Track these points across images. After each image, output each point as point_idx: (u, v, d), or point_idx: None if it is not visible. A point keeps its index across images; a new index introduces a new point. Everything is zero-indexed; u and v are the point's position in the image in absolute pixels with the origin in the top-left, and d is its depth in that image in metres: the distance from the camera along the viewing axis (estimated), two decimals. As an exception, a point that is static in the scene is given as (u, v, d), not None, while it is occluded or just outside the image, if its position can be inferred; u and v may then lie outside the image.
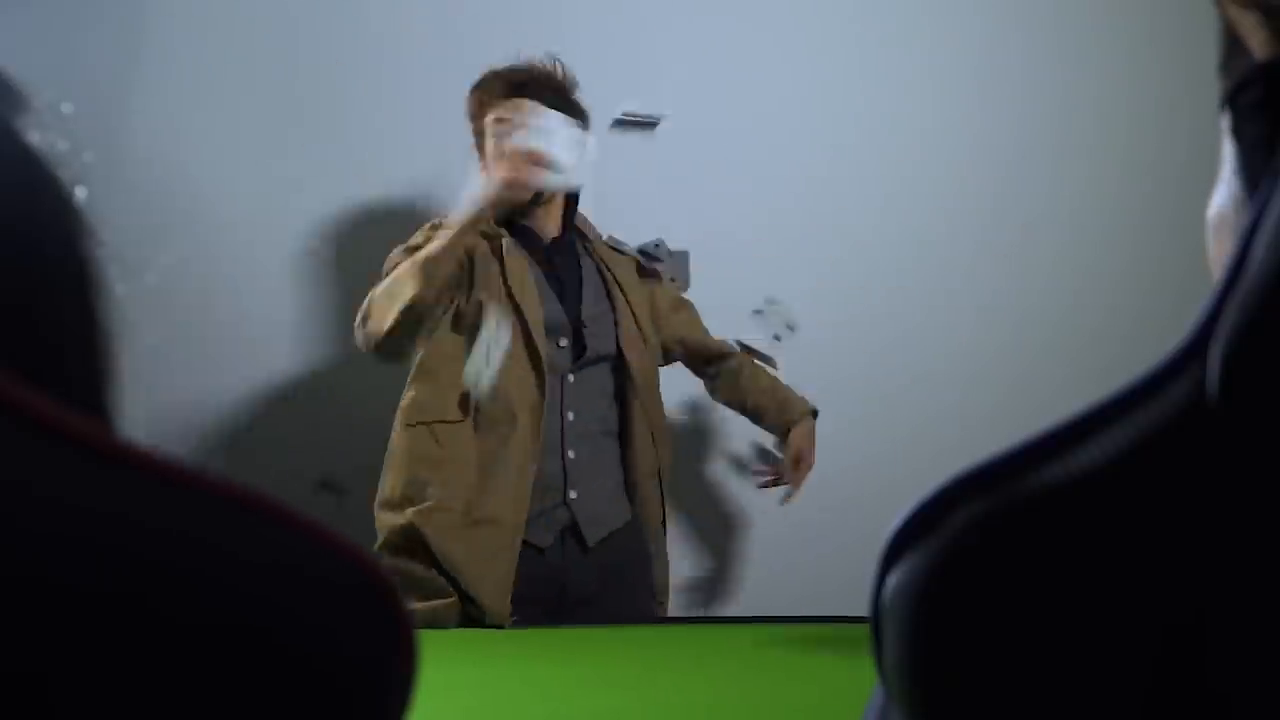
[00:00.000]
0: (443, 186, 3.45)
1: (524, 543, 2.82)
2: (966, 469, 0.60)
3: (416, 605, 2.73)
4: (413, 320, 2.83)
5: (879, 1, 3.64)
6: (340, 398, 3.45)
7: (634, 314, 2.98)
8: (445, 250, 2.81)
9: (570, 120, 2.88)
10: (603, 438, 2.92)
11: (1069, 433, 0.60)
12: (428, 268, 2.80)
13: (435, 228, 2.91)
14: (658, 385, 3.02)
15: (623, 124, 3.15)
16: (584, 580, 2.88)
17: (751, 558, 3.52)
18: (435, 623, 2.74)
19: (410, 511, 2.82)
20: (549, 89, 2.91)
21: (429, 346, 2.88)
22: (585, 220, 3.05)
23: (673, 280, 3.10)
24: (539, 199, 2.93)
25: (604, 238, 3.07)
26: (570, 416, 2.90)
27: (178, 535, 0.50)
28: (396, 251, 2.92)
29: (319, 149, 3.42)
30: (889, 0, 3.64)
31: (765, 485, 3.19)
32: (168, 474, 0.51)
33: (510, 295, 2.86)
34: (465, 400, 2.85)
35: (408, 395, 2.89)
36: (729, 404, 3.19)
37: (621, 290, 2.98)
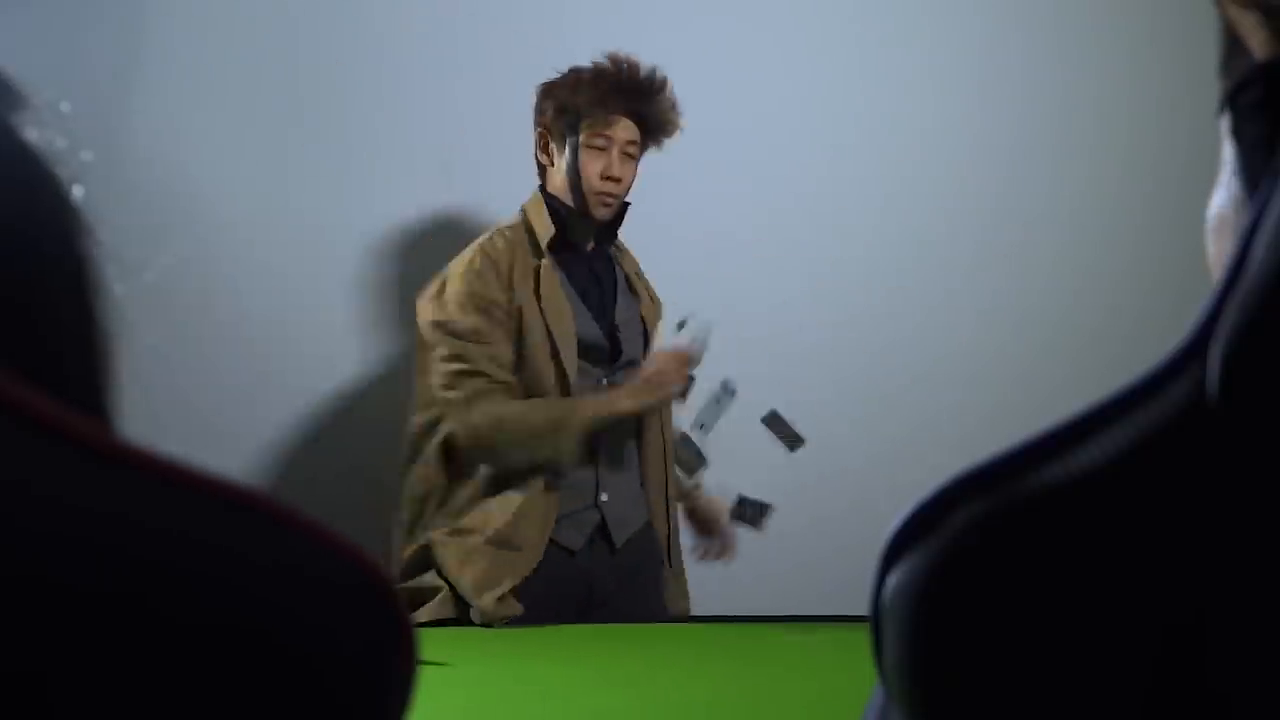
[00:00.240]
0: (443, 186, 3.45)
1: (553, 543, 2.85)
2: (966, 469, 0.60)
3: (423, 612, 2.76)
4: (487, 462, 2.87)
5: (879, 1, 3.64)
6: (340, 398, 3.45)
7: (653, 321, 3.04)
8: (565, 444, 2.82)
9: None
10: (627, 439, 2.95)
11: (1069, 433, 0.60)
12: (538, 448, 2.83)
13: (504, 235, 2.92)
14: None
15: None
16: (607, 581, 2.90)
17: (752, 558, 3.52)
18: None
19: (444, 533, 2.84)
20: (658, 113, 2.95)
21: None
22: None
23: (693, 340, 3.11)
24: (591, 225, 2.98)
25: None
26: None
27: (177, 535, 0.50)
28: (463, 281, 2.88)
29: (319, 149, 3.43)
30: (889, 0, 3.64)
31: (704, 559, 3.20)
32: (167, 474, 0.51)
33: (543, 315, 2.90)
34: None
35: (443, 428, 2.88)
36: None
37: (641, 297, 3.03)
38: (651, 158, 3.05)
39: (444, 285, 2.91)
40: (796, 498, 3.54)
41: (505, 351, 2.88)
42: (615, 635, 2.63)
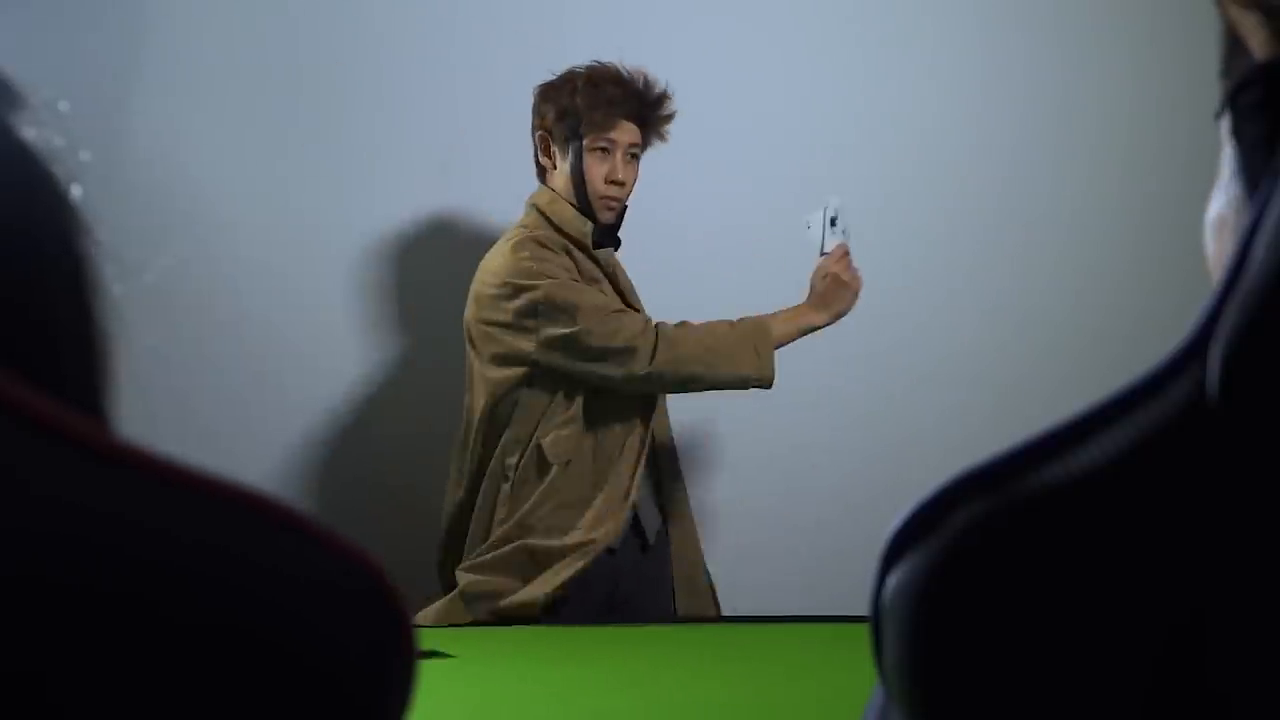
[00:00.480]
0: (442, 186, 3.45)
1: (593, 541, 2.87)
2: (966, 469, 0.60)
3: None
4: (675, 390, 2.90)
5: (879, 1, 3.64)
6: (339, 398, 3.45)
7: None
8: (763, 360, 2.84)
9: None
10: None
11: (1069, 433, 0.60)
12: (731, 365, 2.84)
13: (533, 233, 2.91)
14: None
15: None
16: (631, 580, 2.91)
17: (751, 558, 3.52)
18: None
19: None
20: (660, 116, 2.97)
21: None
22: None
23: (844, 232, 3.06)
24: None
25: None
26: None
27: (176, 535, 0.50)
28: (534, 261, 2.86)
29: (319, 149, 3.43)
30: (889, 0, 3.64)
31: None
32: (167, 474, 0.51)
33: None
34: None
35: (565, 429, 2.87)
36: None
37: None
38: (651, 157, 3.05)
39: (512, 286, 2.84)
40: (797, 498, 3.55)
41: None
42: (617, 635, 2.63)
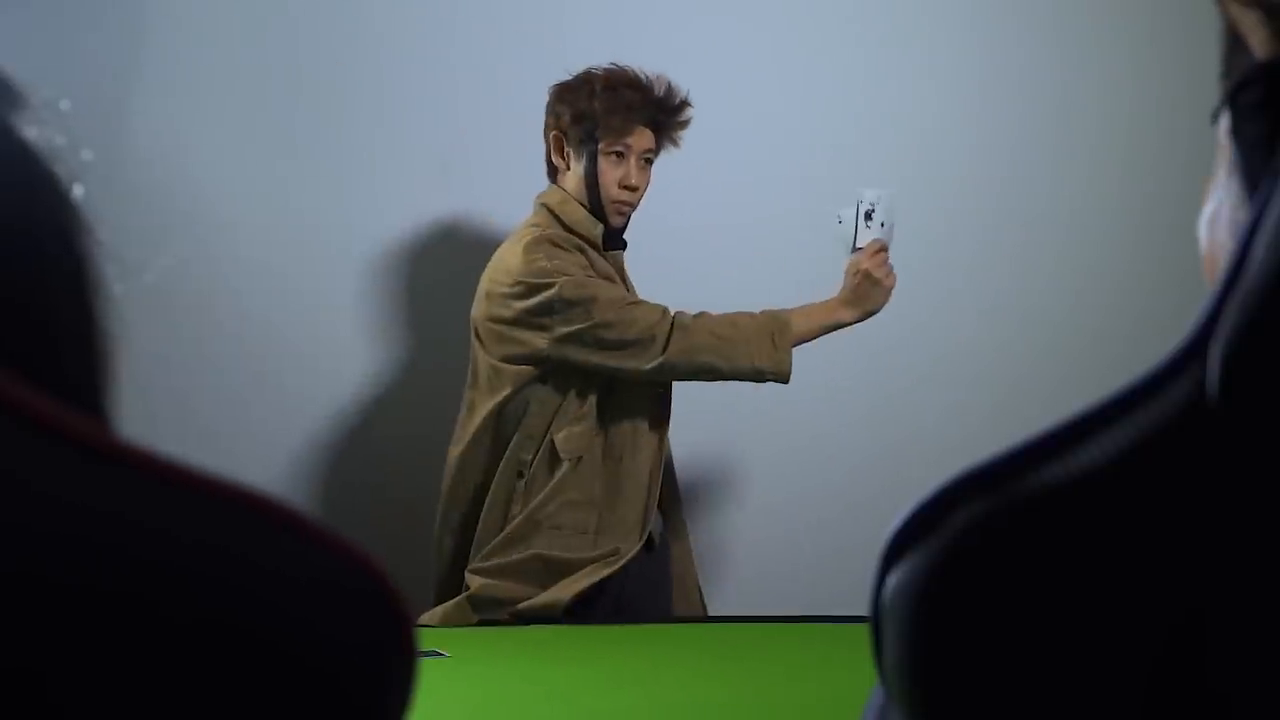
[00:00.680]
0: (442, 186, 3.45)
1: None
2: (966, 469, 0.60)
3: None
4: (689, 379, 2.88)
5: (879, 1, 3.64)
6: (339, 399, 3.45)
7: None
8: (780, 354, 2.82)
9: None
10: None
11: (1069, 433, 0.60)
12: (747, 356, 2.82)
13: (546, 231, 2.90)
14: None
15: None
16: (637, 581, 2.91)
17: (752, 558, 3.52)
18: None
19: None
20: (677, 124, 2.96)
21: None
22: None
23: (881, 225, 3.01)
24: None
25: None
26: None
27: (176, 535, 0.50)
28: (549, 260, 2.84)
29: (320, 149, 3.43)
30: (889, 0, 3.64)
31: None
32: (166, 473, 0.51)
33: None
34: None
35: (578, 426, 2.87)
36: None
37: None
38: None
39: (526, 285, 2.83)
40: (797, 498, 3.55)
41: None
42: (617, 635, 2.63)
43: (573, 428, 2.84)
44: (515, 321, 2.83)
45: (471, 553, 2.89)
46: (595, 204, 2.92)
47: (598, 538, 2.84)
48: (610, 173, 2.90)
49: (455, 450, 2.96)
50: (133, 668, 0.48)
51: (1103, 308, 3.61)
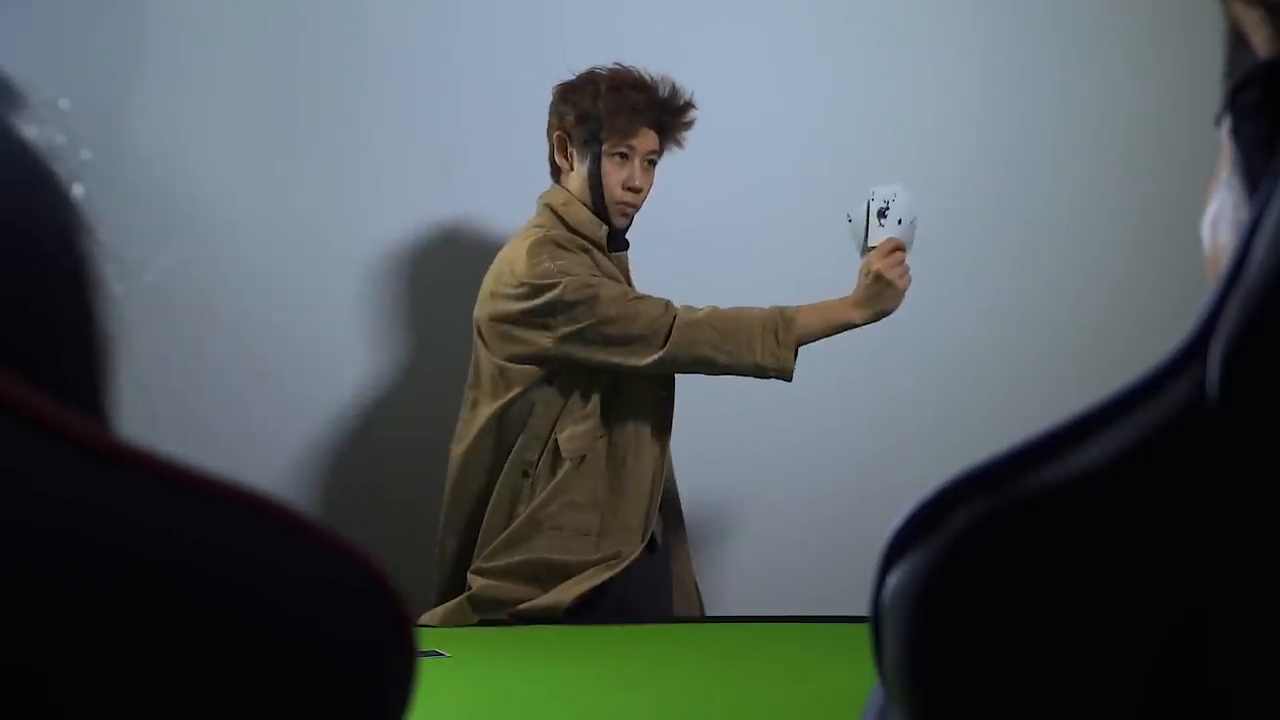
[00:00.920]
0: (443, 186, 3.45)
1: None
2: (966, 469, 0.60)
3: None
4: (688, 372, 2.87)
5: (879, 1, 3.64)
6: (339, 399, 3.45)
7: None
8: (782, 351, 2.81)
9: None
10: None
11: (1069, 433, 0.60)
12: (748, 352, 2.81)
13: (548, 231, 2.90)
14: None
15: None
16: (639, 583, 2.91)
17: (752, 558, 3.52)
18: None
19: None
20: (682, 125, 2.96)
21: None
22: None
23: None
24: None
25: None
26: None
27: (176, 535, 0.50)
28: (551, 259, 2.84)
29: (320, 148, 3.43)
30: (888, 0, 3.64)
31: None
32: (167, 474, 0.51)
33: None
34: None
35: (581, 425, 2.87)
36: None
37: None
38: (651, 157, 3.05)
39: (530, 286, 2.83)
40: (796, 497, 3.55)
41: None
42: (617, 635, 2.63)
43: (576, 427, 2.84)
44: (519, 321, 2.83)
45: (474, 553, 2.89)
46: (599, 205, 2.92)
47: (600, 540, 2.84)
48: (614, 174, 2.90)
49: (458, 449, 2.95)
50: (133, 668, 0.48)
51: (1103, 308, 3.61)
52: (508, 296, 2.85)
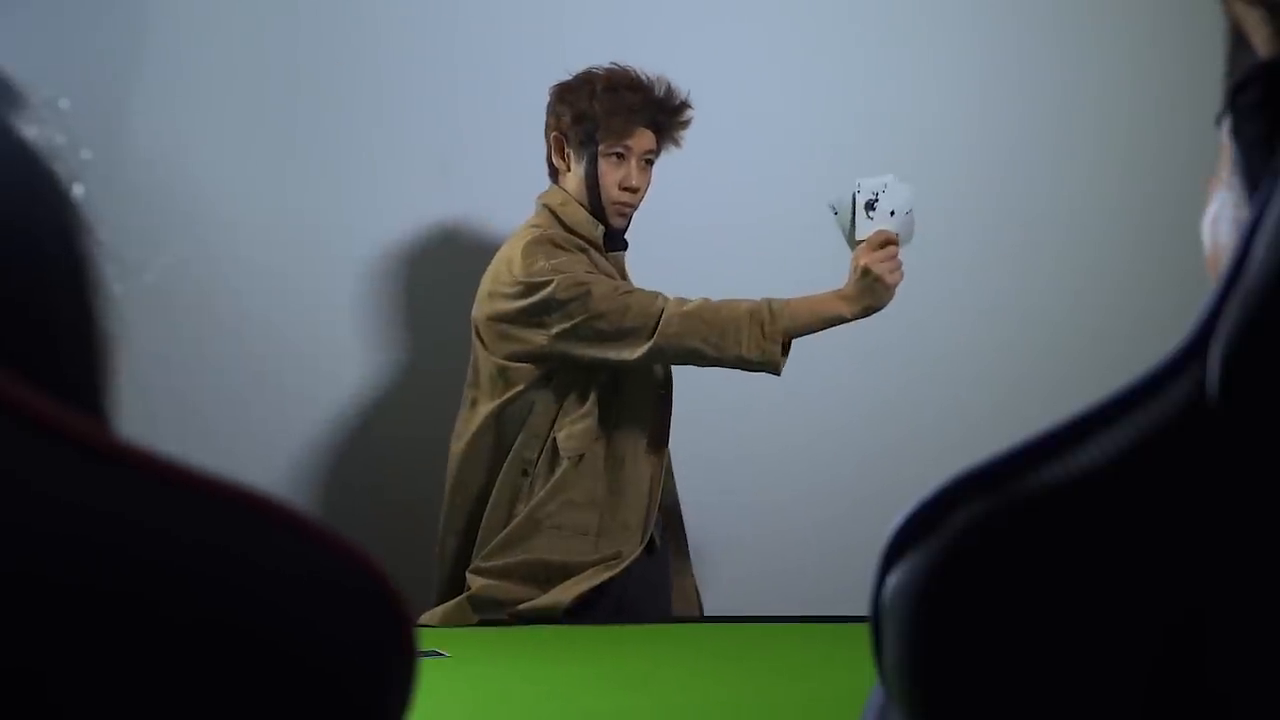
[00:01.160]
0: (442, 186, 3.45)
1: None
2: (966, 469, 0.60)
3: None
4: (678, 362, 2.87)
5: (879, 1, 3.64)
6: (339, 399, 3.45)
7: None
8: (768, 344, 2.79)
9: None
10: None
11: (1069, 433, 0.60)
12: (735, 343, 2.79)
13: (546, 231, 2.90)
14: None
15: None
16: (638, 583, 2.91)
17: (752, 557, 3.52)
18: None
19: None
20: (678, 125, 2.95)
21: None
22: None
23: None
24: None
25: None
26: None
27: (176, 535, 0.50)
28: (546, 258, 2.84)
29: (320, 148, 3.43)
30: (888, 0, 3.64)
31: None
32: (167, 474, 0.51)
33: None
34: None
35: (579, 424, 2.87)
36: None
37: None
38: (651, 157, 3.05)
39: (525, 285, 2.83)
40: (796, 497, 3.55)
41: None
42: (616, 635, 2.63)
43: (574, 426, 2.84)
44: (516, 320, 2.83)
45: (474, 552, 2.89)
46: (596, 205, 2.92)
47: (599, 540, 2.84)
48: (611, 174, 2.90)
49: (457, 447, 2.96)
50: (133, 668, 0.48)
51: (1103, 308, 3.61)
52: (504, 296, 2.85)
